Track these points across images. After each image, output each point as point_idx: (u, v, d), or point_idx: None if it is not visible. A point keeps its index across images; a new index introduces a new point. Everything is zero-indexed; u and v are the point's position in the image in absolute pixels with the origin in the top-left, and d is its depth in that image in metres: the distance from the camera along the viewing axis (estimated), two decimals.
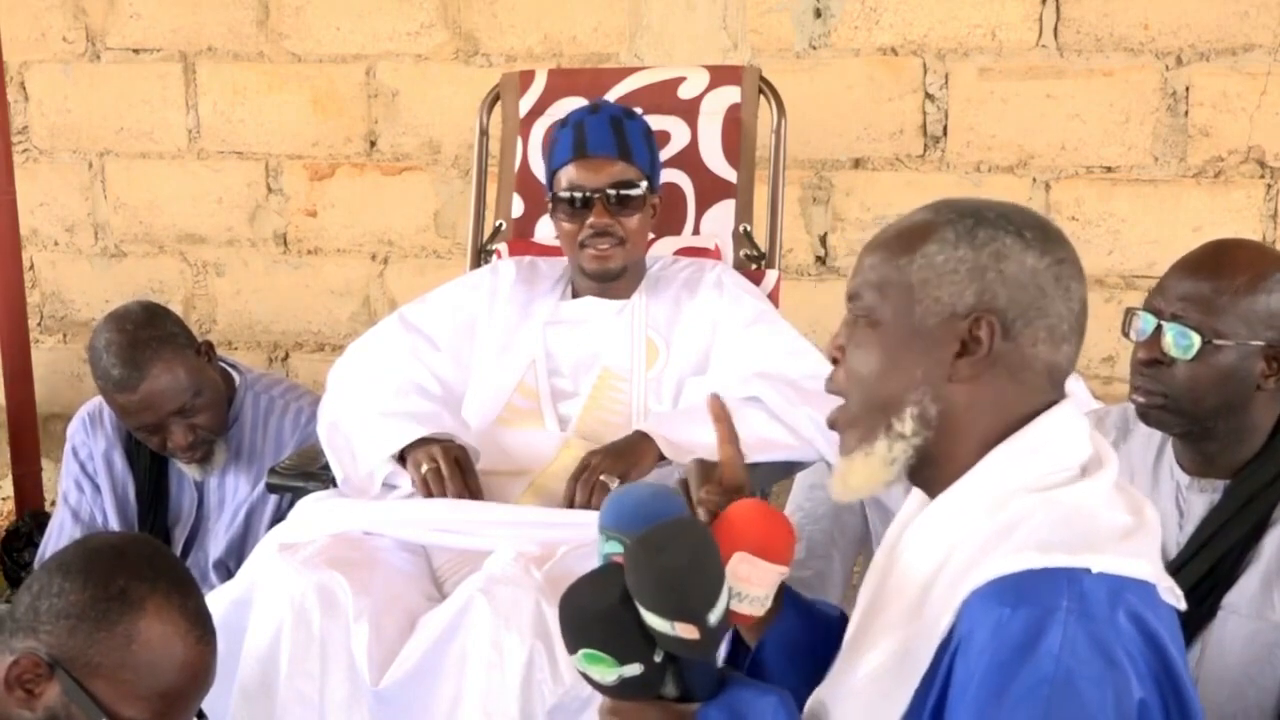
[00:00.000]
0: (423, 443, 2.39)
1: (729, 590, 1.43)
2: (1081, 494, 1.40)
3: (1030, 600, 1.31)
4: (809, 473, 2.75)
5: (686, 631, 1.38)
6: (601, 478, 2.29)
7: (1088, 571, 1.32)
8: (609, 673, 1.42)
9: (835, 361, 1.50)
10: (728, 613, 1.42)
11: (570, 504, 2.30)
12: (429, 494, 2.34)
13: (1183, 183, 3.48)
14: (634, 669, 1.41)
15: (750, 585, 1.47)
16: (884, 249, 1.46)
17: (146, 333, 2.64)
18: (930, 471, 1.45)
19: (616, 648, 1.41)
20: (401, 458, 2.41)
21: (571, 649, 1.43)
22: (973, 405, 1.42)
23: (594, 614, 1.41)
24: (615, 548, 1.50)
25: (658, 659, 1.42)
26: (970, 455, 1.42)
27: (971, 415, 1.42)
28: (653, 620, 1.39)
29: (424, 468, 2.35)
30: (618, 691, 1.44)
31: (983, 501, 1.41)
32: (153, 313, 2.71)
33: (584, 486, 2.30)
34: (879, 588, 1.50)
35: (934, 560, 1.41)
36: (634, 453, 2.35)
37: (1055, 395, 1.44)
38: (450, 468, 2.34)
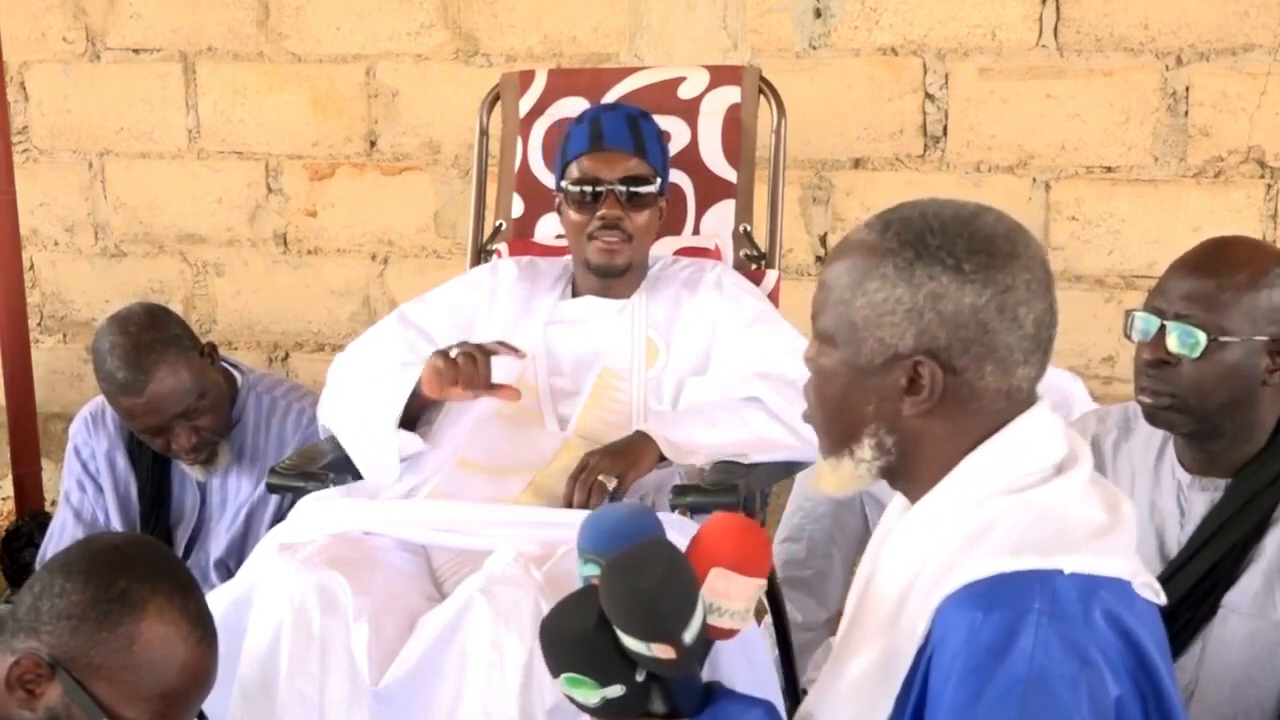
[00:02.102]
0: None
1: (707, 606, 1.42)
2: (1054, 493, 1.40)
3: (1002, 604, 1.31)
4: (809, 473, 2.74)
5: (663, 652, 1.38)
6: (600, 478, 2.29)
7: (1060, 573, 1.33)
8: (592, 695, 1.42)
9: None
10: (704, 629, 1.42)
11: (569, 504, 2.30)
12: (455, 380, 2.32)
13: (1183, 183, 3.48)
14: (616, 690, 1.41)
15: (729, 600, 1.46)
16: (835, 272, 1.45)
17: (150, 335, 2.64)
18: (904, 482, 1.47)
19: (597, 671, 1.41)
20: (411, 426, 2.44)
21: (554, 673, 1.43)
22: (929, 433, 1.43)
23: (572, 638, 1.41)
24: (594, 570, 1.49)
25: (639, 679, 1.41)
26: (941, 467, 1.43)
27: (929, 441, 1.43)
28: (629, 642, 1.38)
29: (440, 363, 2.34)
30: (603, 712, 1.44)
31: (957, 507, 1.41)
32: (155, 315, 2.70)
33: (582, 486, 2.30)
34: (863, 595, 1.51)
35: (911, 567, 1.42)
36: (633, 453, 2.35)
37: (1021, 409, 1.43)
38: (464, 358, 2.33)
